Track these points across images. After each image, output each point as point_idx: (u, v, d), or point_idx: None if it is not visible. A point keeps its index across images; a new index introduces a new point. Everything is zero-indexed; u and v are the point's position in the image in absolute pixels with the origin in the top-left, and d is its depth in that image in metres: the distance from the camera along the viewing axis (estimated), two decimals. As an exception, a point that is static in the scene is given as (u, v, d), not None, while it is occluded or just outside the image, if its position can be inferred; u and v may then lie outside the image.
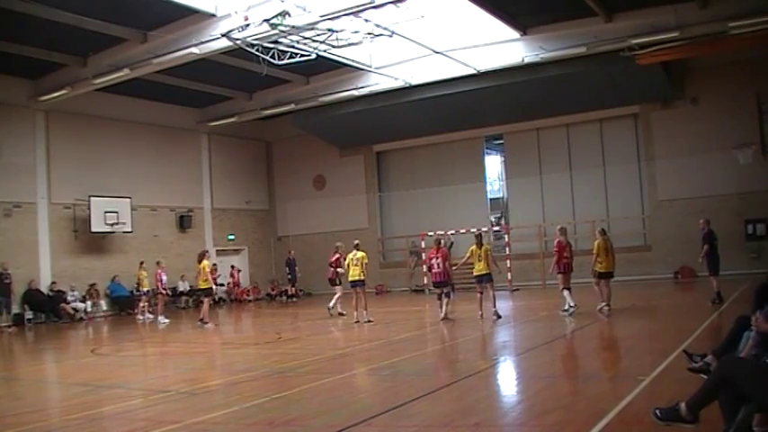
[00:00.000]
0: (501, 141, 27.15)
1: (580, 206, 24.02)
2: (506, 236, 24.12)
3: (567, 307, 13.33)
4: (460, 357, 9.56)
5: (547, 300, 17.42)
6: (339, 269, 16.11)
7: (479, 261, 13.55)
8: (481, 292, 13.85)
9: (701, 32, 17.25)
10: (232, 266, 26.25)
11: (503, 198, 29.14)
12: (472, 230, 24.00)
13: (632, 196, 23.41)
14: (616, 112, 23.50)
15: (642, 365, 7.41)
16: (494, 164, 30.84)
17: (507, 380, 7.91)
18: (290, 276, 24.99)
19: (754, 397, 4.02)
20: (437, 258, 14.00)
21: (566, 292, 13.49)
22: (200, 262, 16.45)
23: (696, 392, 4.34)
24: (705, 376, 5.31)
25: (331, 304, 16.46)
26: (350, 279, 15.05)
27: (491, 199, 27.84)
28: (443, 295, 13.99)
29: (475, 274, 13.73)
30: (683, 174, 21.77)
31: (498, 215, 28.97)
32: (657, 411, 4.47)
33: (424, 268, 24.24)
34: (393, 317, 16.14)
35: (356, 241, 15.91)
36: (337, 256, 16.26)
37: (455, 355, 9.73)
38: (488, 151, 28.48)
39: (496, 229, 26.53)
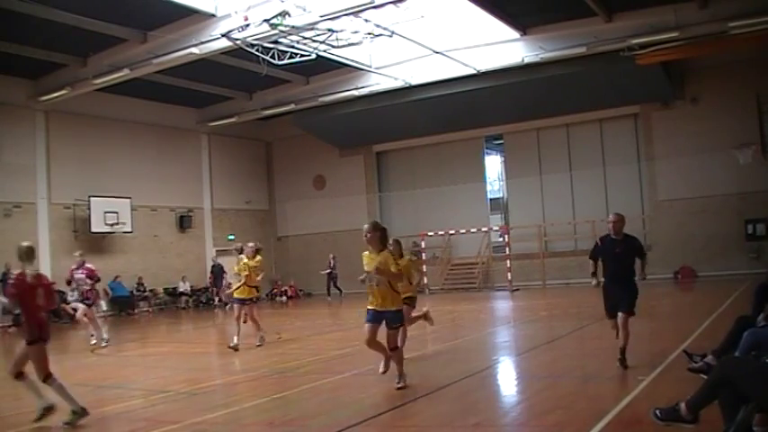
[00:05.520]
0: (501, 141, 27.15)
1: (580, 206, 24.00)
2: (506, 236, 24.12)
3: None
4: (460, 357, 9.54)
5: (547, 300, 17.42)
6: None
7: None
8: None
9: (701, 32, 17.26)
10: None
11: (503, 198, 29.13)
12: (472, 231, 24.13)
13: (632, 196, 23.38)
14: (616, 112, 23.50)
15: (642, 365, 7.40)
16: (494, 164, 30.85)
17: (507, 380, 7.91)
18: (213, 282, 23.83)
19: (754, 397, 4.02)
20: None
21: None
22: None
23: (696, 392, 4.34)
24: (705, 376, 5.31)
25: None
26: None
27: (491, 199, 27.84)
28: None
29: None
30: (683, 174, 21.77)
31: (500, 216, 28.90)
32: (657, 411, 4.47)
33: (424, 268, 24.32)
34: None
35: (251, 244, 11.76)
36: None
37: (455, 355, 9.71)
38: (488, 151, 28.48)
39: (496, 229, 26.49)
